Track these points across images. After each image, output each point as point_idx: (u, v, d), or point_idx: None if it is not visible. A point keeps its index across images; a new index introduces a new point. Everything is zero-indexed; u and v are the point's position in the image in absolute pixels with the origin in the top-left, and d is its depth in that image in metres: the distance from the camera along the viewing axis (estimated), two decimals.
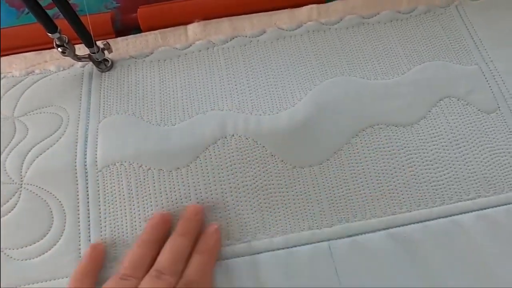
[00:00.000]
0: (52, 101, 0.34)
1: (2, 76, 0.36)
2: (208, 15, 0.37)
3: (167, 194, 0.30)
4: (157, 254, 0.27)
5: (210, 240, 0.28)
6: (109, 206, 0.30)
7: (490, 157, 0.31)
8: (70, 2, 0.29)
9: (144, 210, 0.29)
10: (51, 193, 0.30)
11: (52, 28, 0.30)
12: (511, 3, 0.37)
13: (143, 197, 0.30)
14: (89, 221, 0.29)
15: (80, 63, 0.36)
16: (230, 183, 0.30)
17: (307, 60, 0.35)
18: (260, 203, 0.30)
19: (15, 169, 0.31)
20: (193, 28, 0.37)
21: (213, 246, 0.28)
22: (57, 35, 0.30)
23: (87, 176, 0.31)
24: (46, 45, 0.36)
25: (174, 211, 0.29)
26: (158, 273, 0.25)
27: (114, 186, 0.30)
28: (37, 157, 0.31)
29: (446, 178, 0.30)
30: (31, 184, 0.31)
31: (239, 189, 0.30)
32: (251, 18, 0.37)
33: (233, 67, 0.35)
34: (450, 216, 0.29)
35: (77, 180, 0.31)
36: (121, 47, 0.37)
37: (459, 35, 0.36)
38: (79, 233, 0.29)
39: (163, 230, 0.28)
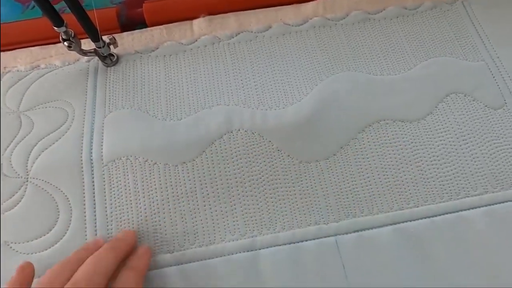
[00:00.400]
0: (58, 95, 0.34)
1: (7, 70, 0.36)
2: (213, 10, 0.37)
3: (173, 189, 0.30)
4: None
5: (140, 259, 0.27)
6: (115, 201, 0.30)
7: (497, 152, 0.31)
8: None
9: (150, 205, 0.29)
10: (57, 187, 0.30)
11: (59, 22, 0.29)
12: None
13: (149, 192, 0.30)
14: (95, 216, 0.29)
15: (85, 58, 0.36)
16: (236, 178, 0.30)
17: (313, 55, 0.35)
18: (266, 197, 0.30)
19: (20, 163, 0.31)
20: (199, 23, 0.37)
21: (143, 265, 0.27)
22: (63, 29, 0.30)
23: (93, 171, 0.31)
24: (51, 40, 0.36)
25: (179, 206, 0.29)
26: (72, 285, 0.23)
27: (120, 181, 0.30)
28: (43, 151, 0.31)
29: (453, 174, 0.30)
30: (37, 178, 0.30)
31: (245, 183, 0.30)
32: (256, 14, 0.37)
33: (239, 62, 0.35)
34: (457, 211, 0.29)
35: (83, 175, 0.31)
36: (127, 42, 0.37)
37: (465, 31, 0.36)
38: (85, 228, 0.29)
39: (91, 252, 0.26)
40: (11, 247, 0.29)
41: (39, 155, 0.31)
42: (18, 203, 0.30)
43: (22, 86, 0.35)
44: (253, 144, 0.31)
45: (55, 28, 0.30)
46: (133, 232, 0.29)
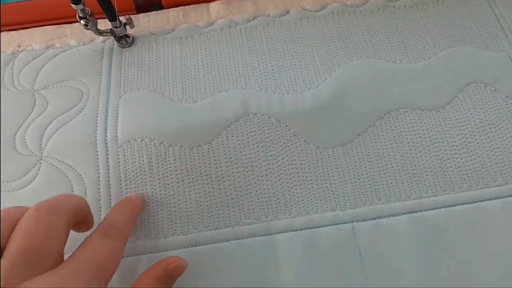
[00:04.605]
0: (73, 75, 0.34)
1: (21, 49, 0.35)
2: None
3: (188, 171, 0.29)
4: None
5: (133, 198, 0.28)
6: (130, 182, 0.29)
7: None
8: None
9: (165, 187, 0.29)
10: (71, 166, 0.30)
11: None
12: None
13: (164, 174, 0.29)
14: (110, 196, 0.29)
15: (100, 38, 0.35)
16: (252, 162, 0.30)
17: (331, 41, 0.35)
18: (282, 183, 0.29)
19: (34, 141, 0.31)
20: (215, 6, 0.36)
21: (137, 205, 0.28)
22: (80, 6, 0.30)
23: (107, 151, 0.30)
24: (67, 19, 0.36)
25: (194, 189, 0.29)
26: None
27: (135, 162, 0.30)
28: (57, 130, 0.31)
29: (472, 164, 0.29)
30: (51, 157, 0.30)
31: (260, 168, 0.30)
32: None
33: (255, 47, 0.35)
34: (476, 202, 0.28)
35: (97, 155, 0.30)
36: (142, 23, 0.36)
37: (486, 21, 0.35)
38: (100, 208, 0.29)
39: None
40: None
41: (53, 133, 0.31)
42: (31, 182, 0.30)
43: (37, 65, 0.34)
44: (270, 129, 0.30)
45: (73, 5, 0.30)
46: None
